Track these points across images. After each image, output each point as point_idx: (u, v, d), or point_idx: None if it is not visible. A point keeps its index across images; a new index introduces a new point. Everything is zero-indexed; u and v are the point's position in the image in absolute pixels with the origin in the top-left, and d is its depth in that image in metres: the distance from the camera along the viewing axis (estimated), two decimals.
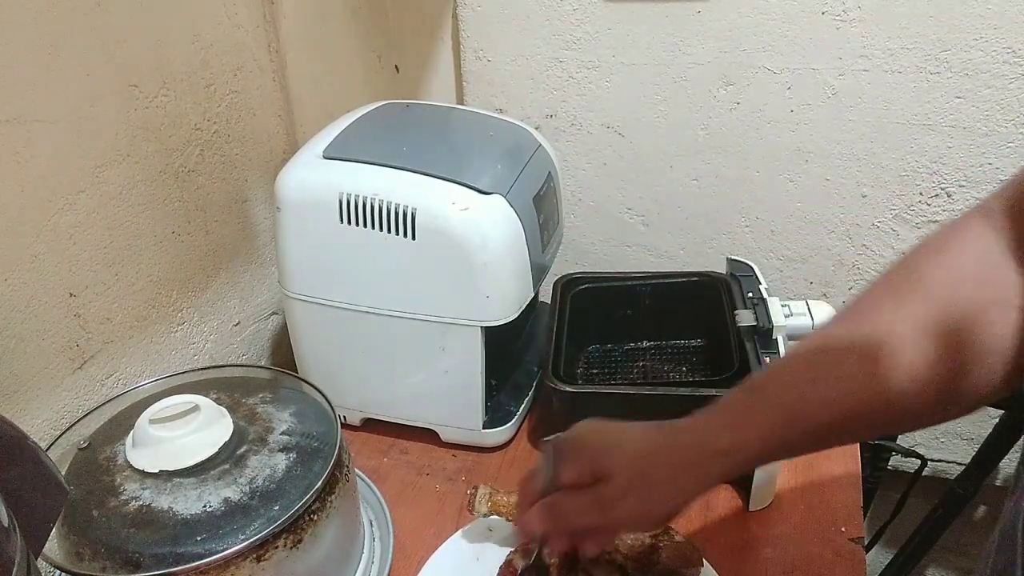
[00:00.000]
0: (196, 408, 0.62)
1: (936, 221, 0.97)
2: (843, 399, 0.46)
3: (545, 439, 0.56)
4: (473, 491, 0.71)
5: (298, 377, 0.75)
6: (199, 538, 0.55)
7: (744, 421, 0.49)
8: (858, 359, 0.46)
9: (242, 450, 0.63)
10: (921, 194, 0.97)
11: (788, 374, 0.50)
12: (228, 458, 0.62)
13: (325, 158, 0.77)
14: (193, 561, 0.53)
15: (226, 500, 0.58)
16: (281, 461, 0.62)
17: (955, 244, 0.47)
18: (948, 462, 1.13)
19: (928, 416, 0.47)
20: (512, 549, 0.70)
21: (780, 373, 0.51)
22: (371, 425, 0.89)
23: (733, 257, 0.88)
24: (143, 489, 0.59)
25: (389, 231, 0.73)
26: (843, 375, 0.46)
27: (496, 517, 0.73)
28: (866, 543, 0.80)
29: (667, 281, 0.94)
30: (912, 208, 0.98)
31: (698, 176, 1.05)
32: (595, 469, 0.52)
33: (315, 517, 0.60)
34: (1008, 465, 1.08)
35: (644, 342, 0.96)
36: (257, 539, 0.55)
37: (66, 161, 0.67)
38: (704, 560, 0.69)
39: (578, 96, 1.05)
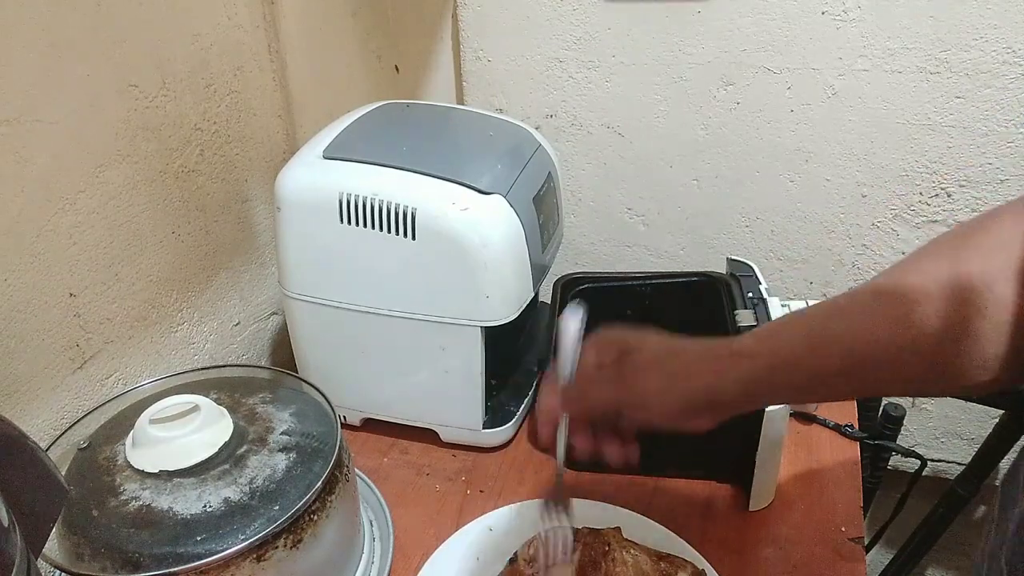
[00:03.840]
0: (196, 408, 0.62)
1: (936, 221, 0.97)
2: (864, 334, 0.47)
3: (574, 302, 0.56)
4: None
5: (298, 377, 0.75)
6: (199, 538, 0.55)
7: (772, 334, 0.51)
8: (886, 303, 0.47)
9: (242, 450, 0.63)
10: (921, 194, 0.97)
11: (823, 307, 0.51)
12: (228, 458, 0.62)
13: (325, 158, 0.77)
14: (193, 561, 0.53)
15: (226, 500, 0.58)
16: (281, 461, 0.62)
17: (996, 219, 0.48)
18: (948, 462, 1.13)
19: (936, 379, 0.48)
20: (513, 554, 0.70)
21: (816, 307, 0.52)
22: (371, 425, 0.89)
23: (733, 257, 0.88)
24: (143, 489, 0.59)
25: (389, 231, 0.73)
26: (869, 313, 0.48)
27: (495, 516, 0.74)
28: (866, 543, 0.80)
29: (667, 281, 0.94)
30: (912, 208, 0.98)
31: (698, 176, 1.05)
32: (622, 344, 0.53)
33: (315, 517, 0.60)
34: (1008, 465, 1.08)
35: None
36: (257, 539, 0.55)
37: (66, 161, 0.67)
38: (704, 560, 0.69)
39: (578, 96, 1.05)
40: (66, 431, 0.65)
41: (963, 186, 0.94)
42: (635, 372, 0.52)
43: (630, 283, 0.94)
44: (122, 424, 0.65)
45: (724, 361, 0.51)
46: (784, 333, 0.51)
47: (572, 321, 0.55)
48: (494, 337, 0.78)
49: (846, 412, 0.89)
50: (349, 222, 0.74)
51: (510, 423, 0.85)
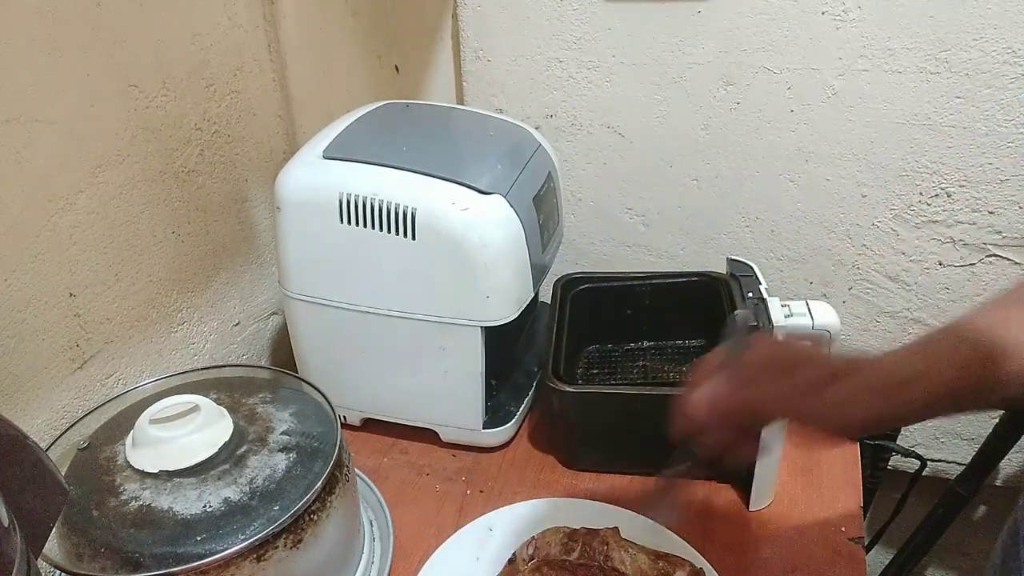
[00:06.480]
0: (196, 408, 0.62)
1: (936, 221, 0.97)
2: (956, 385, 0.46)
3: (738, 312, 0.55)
4: None
5: (298, 377, 0.75)
6: (199, 538, 0.55)
7: (942, 356, 0.49)
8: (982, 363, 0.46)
9: (242, 450, 0.63)
10: (921, 194, 0.97)
11: (986, 317, 0.50)
12: (228, 458, 0.62)
13: (325, 158, 0.77)
14: (193, 561, 0.53)
15: (226, 500, 0.58)
16: (281, 461, 0.62)
17: None
18: (948, 462, 1.13)
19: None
20: (512, 554, 0.70)
21: (979, 317, 0.51)
22: (371, 425, 0.89)
23: (733, 257, 0.88)
24: (143, 489, 0.59)
25: (389, 231, 0.73)
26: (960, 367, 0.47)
27: (495, 516, 0.74)
28: (866, 543, 0.80)
29: (667, 281, 0.94)
30: (912, 208, 0.98)
31: (698, 176, 1.05)
32: (794, 355, 0.51)
33: (315, 517, 0.60)
34: (1008, 465, 1.08)
35: (644, 342, 0.96)
36: (257, 539, 0.55)
37: (66, 161, 0.67)
38: (703, 558, 0.69)
39: (578, 96, 1.05)
40: (66, 431, 0.65)
41: (963, 186, 0.94)
42: (820, 383, 0.49)
43: (630, 283, 0.94)
44: (122, 424, 0.65)
45: (900, 387, 0.49)
46: (952, 353, 0.49)
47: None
48: (494, 337, 0.78)
49: None
50: (349, 222, 0.74)
51: (510, 423, 0.85)
